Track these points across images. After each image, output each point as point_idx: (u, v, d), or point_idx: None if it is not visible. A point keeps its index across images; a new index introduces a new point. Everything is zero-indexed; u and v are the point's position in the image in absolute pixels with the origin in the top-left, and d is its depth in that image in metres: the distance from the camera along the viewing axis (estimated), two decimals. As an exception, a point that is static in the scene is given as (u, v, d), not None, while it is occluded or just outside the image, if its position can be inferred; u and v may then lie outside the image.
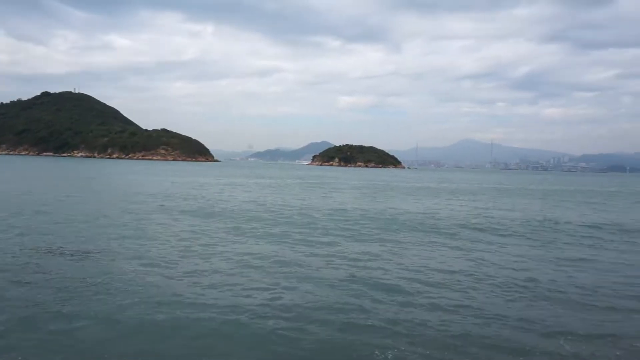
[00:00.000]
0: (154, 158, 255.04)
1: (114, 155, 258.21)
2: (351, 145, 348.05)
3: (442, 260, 17.65)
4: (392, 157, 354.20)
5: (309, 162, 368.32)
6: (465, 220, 30.47)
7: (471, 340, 9.71)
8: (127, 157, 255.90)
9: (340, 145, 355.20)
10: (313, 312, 11.05)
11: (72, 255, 16.09)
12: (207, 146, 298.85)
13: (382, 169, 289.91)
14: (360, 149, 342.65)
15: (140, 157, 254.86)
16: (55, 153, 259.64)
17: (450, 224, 28.26)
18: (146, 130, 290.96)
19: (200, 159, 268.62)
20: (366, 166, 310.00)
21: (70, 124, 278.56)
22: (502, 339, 9.85)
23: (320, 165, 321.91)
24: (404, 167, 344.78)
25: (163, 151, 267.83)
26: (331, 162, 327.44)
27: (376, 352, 8.93)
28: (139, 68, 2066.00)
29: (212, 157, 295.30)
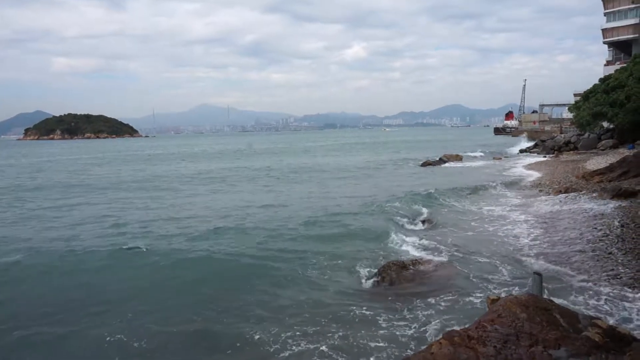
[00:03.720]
0: None
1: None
2: (76, 115, 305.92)
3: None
4: (127, 125, 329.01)
5: (20, 137, 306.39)
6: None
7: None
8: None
9: (62, 115, 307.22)
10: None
11: None
12: None
13: (117, 139, 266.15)
14: (88, 118, 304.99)
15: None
16: None
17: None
18: None
19: None
20: (97, 137, 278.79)
21: None
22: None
23: (37, 139, 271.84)
24: (141, 136, 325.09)
25: None
26: (52, 136, 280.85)
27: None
28: None
29: None
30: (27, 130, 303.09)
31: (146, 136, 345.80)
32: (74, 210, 22.96)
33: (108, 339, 8.74)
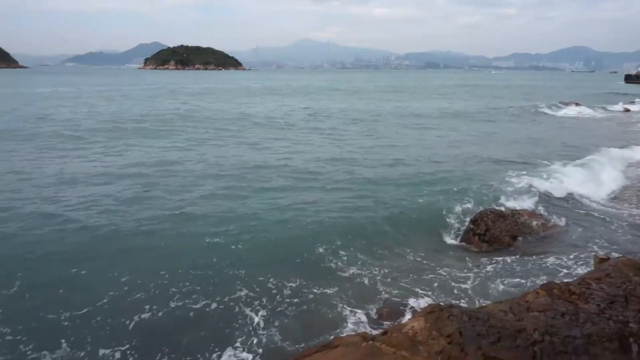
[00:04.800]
0: None
1: None
2: (187, 47, 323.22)
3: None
4: (233, 58, 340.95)
5: (141, 66, 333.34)
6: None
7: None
8: None
9: (175, 47, 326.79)
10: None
11: None
12: (7, 49, 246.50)
13: (223, 71, 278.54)
14: (198, 51, 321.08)
15: None
16: None
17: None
18: None
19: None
20: (205, 69, 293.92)
21: None
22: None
23: (154, 69, 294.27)
24: (244, 69, 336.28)
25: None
26: (166, 66, 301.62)
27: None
28: None
29: (16, 62, 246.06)
30: (146, 60, 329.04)
31: (249, 69, 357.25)
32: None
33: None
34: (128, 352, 6.75)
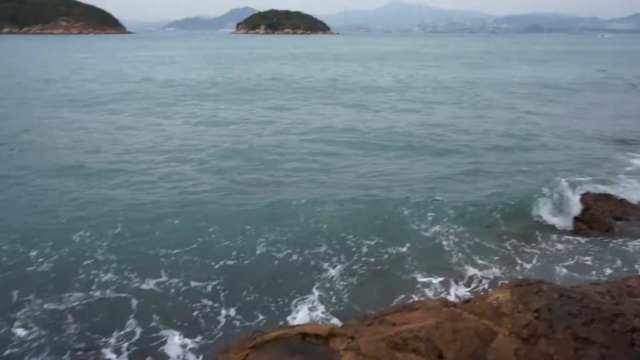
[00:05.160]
0: (55, 32, 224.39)
1: (5, 30, 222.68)
2: (277, 11, 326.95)
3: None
4: (321, 22, 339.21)
5: (233, 31, 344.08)
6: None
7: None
8: (21, 32, 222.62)
9: (265, 11, 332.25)
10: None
11: None
12: (115, 16, 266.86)
13: (312, 35, 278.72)
14: (287, 15, 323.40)
15: (38, 32, 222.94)
16: None
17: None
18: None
19: (110, 31, 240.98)
20: (294, 33, 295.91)
21: None
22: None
23: (246, 33, 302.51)
24: (333, 33, 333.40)
25: (64, 23, 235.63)
26: (257, 30, 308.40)
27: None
28: None
29: (124, 28, 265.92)
30: (238, 25, 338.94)
31: (337, 33, 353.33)
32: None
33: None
34: (216, 286, 7.49)
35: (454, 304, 4.85)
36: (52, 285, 7.36)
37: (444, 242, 8.90)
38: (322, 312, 6.83)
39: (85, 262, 8.02)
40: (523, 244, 9.06)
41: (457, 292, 7.30)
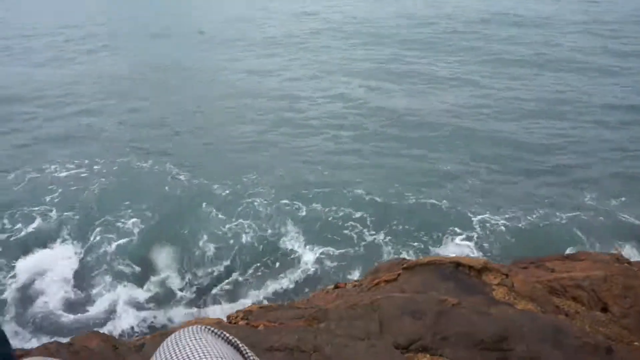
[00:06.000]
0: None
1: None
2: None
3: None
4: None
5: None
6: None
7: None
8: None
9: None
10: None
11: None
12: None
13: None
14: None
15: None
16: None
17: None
18: None
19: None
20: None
21: None
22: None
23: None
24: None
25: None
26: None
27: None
28: None
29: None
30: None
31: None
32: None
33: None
34: (364, 215, 7.98)
35: (628, 261, 4.46)
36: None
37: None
38: (473, 251, 6.85)
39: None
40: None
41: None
